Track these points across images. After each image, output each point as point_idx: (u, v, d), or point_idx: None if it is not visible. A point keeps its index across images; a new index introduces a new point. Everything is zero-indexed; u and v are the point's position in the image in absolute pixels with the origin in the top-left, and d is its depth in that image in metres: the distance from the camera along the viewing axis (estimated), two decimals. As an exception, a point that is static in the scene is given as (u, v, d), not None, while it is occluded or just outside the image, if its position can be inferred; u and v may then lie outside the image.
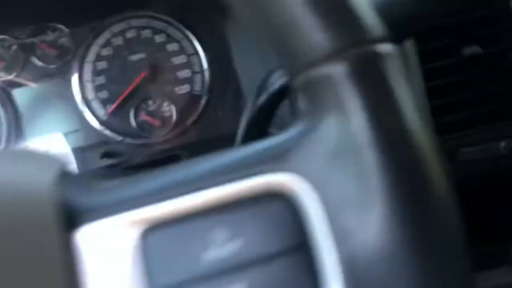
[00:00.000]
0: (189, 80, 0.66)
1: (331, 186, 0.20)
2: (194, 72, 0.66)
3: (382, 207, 0.19)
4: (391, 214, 0.19)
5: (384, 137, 0.19)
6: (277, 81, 0.40)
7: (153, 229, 0.22)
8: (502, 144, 0.44)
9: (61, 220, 0.21)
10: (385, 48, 0.21)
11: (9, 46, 0.64)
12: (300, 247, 0.22)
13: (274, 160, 0.22)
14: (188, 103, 0.65)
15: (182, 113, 0.65)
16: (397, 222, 0.19)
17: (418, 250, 0.19)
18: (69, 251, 0.21)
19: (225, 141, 0.40)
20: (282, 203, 0.22)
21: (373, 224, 0.19)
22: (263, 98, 0.41)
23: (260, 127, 0.42)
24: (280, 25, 0.20)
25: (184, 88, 0.66)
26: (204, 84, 0.66)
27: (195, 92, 0.66)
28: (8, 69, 0.64)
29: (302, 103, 0.22)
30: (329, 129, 0.21)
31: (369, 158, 0.19)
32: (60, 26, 0.65)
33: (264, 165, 0.22)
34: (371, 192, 0.19)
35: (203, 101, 0.65)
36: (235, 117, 0.61)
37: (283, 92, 0.40)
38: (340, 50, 0.20)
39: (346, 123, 0.20)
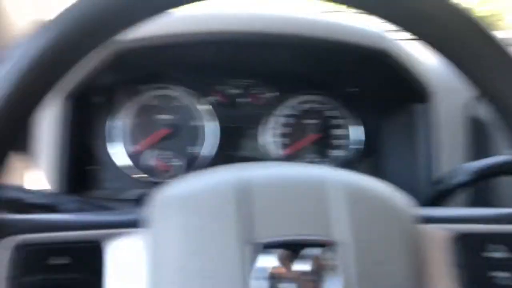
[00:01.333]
0: (345, 148, 0.90)
1: None
2: (350, 143, 0.90)
3: None
4: None
5: None
6: (457, 177, 0.63)
7: None
8: None
9: None
10: None
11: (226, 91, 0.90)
12: None
13: None
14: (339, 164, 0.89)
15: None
16: None
17: None
18: None
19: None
20: None
21: None
22: (443, 186, 0.64)
23: (435, 202, 0.65)
24: None
25: (338, 153, 0.90)
26: (357, 153, 0.89)
27: (348, 158, 0.90)
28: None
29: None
30: None
31: None
32: (261, 88, 0.90)
33: None
34: None
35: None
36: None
37: (458, 187, 0.63)
38: None
39: None
